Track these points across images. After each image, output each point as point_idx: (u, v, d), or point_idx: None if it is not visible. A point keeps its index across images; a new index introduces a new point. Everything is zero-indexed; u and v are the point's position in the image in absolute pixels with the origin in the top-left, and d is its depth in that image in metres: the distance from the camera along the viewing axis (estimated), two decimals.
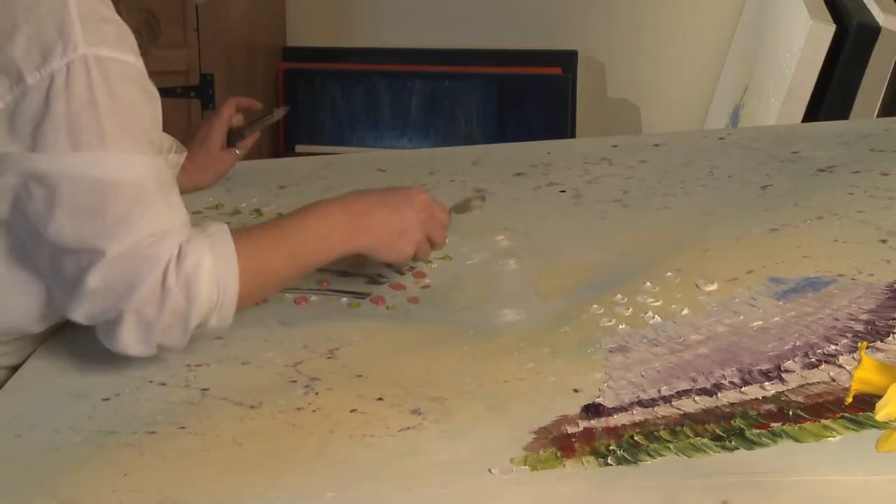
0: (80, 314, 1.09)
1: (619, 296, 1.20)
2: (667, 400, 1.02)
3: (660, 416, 1.00)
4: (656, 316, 1.17)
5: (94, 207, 1.05)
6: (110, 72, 1.05)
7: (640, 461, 0.94)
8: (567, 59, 2.90)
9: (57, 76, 1.03)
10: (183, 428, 1.05)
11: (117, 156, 1.05)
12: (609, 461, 0.94)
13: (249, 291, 1.13)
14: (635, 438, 0.96)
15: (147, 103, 1.10)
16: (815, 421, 0.96)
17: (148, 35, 1.19)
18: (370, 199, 1.24)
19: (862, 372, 0.84)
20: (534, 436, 0.98)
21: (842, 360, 1.05)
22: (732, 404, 1.00)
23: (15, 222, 1.09)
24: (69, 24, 1.04)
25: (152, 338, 1.09)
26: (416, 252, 1.26)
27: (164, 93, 1.17)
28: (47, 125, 1.03)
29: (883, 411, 0.81)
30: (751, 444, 0.94)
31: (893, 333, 1.09)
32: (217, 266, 1.09)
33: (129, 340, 1.08)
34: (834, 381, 1.02)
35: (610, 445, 0.96)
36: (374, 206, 1.23)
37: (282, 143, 2.96)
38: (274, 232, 1.19)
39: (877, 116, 2.35)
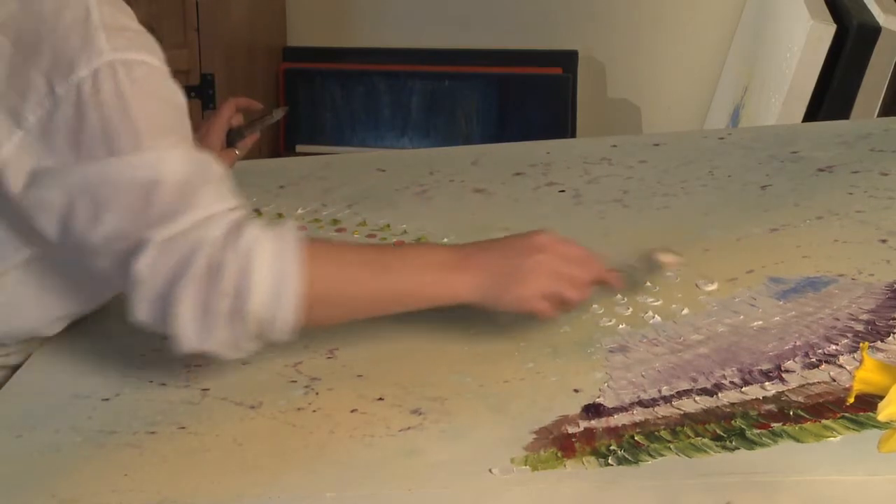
0: (141, 313, 1.05)
1: (619, 295, 1.20)
2: (667, 400, 1.02)
3: (660, 416, 1.00)
4: (656, 316, 1.17)
5: (139, 206, 1.03)
6: (136, 73, 1.05)
7: (641, 461, 0.94)
8: (567, 59, 2.90)
9: (84, 84, 1.03)
10: (183, 428, 1.05)
11: (155, 154, 1.04)
12: (609, 461, 0.94)
13: (320, 295, 1.06)
14: (636, 438, 0.96)
15: (175, 100, 1.10)
16: (815, 421, 0.96)
17: None
18: (483, 243, 1.15)
19: (863, 372, 0.83)
20: (534, 436, 0.98)
21: (842, 360, 1.05)
22: (733, 404, 1.00)
23: (55, 233, 1.07)
24: (93, 33, 1.04)
25: (211, 327, 1.04)
26: (553, 294, 1.11)
27: None
28: (83, 135, 1.03)
29: (885, 411, 0.81)
30: (751, 444, 0.94)
31: (894, 333, 1.09)
32: (277, 251, 1.05)
33: (187, 330, 1.04)
34: (834, 381, 1.02)
35: (610, 445, 0.96)
36: (484, 249, 1.14)
37: (282, 143, 2.96)
38: (362, 247, 1.14)
39: (877, 116, 2.35)
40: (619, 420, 1.00)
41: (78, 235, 1.06)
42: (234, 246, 1.03)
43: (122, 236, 1.04)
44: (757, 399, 1.01)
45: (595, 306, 1.20)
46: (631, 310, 1.19)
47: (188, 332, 1.04)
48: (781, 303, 1.17)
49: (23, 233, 1.11)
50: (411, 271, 1.11)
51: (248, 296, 1.03)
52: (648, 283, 1.22)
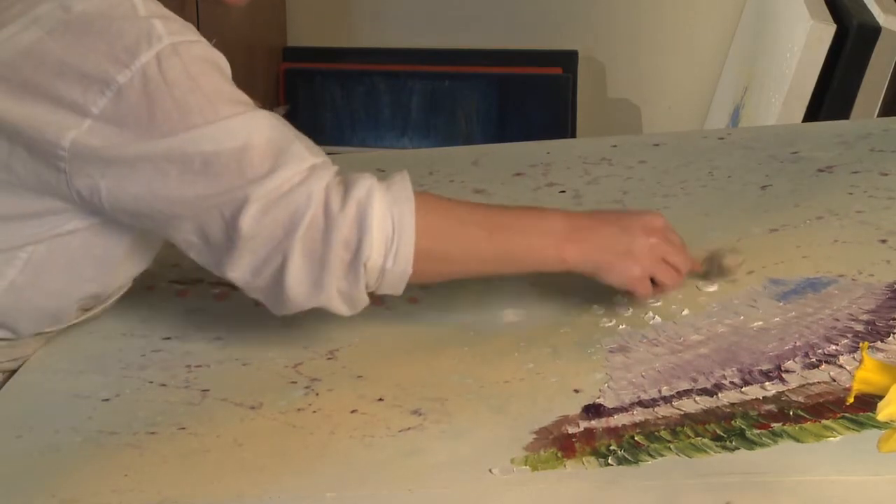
0: (242, 271, 1.05)
1: (619, 296, 1.20)
2: (667, 400, 1.02)
3: (660, 417, 1.00)
4: (656, 316, 1.17)
5: (234, 169, 1.03)
6: (195, 52, 1.06)
7: (641, 461, 0.94)
8: (567, 59, 2.90)
9: (148, 68, 1.03)
10: (183, 428, 1.05)
11: (236, 119, 1.04)
12: (609, 461, 0.94)
13: (432, 249, 1.06)
14: (636, 438, 0.96)
15: (229, 74, 1.10)
16: (815, 421, 0.96)
17: None
18: (597, 215, 1.17)
19: (863, 372, 0.84)
20: (534, 436, 0.98)
21: (842, 360, 1.05)
22: (733, 404, 1.00)
23: (139, 205, 1.06)
24: (148, 22, 1.05)
25: (325, 278, 1.03)
26: (655, 276, 1.14)
27: None
28: (158, 115, 1.03)
29: (885, 411, 0.81)
30: (751, 444, 0.94)
31: (894, 334, 1.09)
32: (391, 199, 1.05)
33: (300, 284, 1.04)
34: (834, 381, 1.02)
35: (610, 445, 0.96)
36: (599, 221, 1.15)
37: None
38: (473, 205, 1.13)
39: (877, 116, 2.35)
40: (619, 420, 1.00)
41: (164, 201, 1.05)
42: (348, 194, 1.03)
43: (217, 194, 1.03)
44: (757, 399, 1.01)
45: (595, 307, 1.20)
46: (631, 310, 1.19)
47: (301, 286, 1.04)
48: (781, 304, 1.17)
49: (75, 206, 1.09)
50: (524, 234, 1.12)
51: (366, 244, 1.03)
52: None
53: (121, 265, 1.17)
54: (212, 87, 1.06)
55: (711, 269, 1.22)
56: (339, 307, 1.07)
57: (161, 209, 1.06)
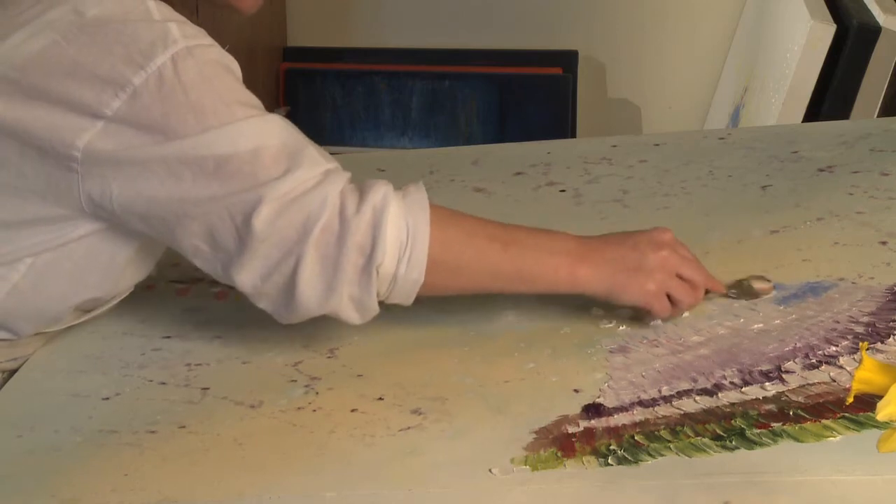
0: (252, 275, 1.04)
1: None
2: (667, 400, 1.02)
3: (660, 416, 1.00)
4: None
5: (248, 170, 1.03)
6: (210, 55, 1.07)
7: (641, 461, 0.94)
8: (567, 59, 2.90)
9: (164, 70, 1.03)
10: (183, 427, 1.05)
11: (250, 122, 1.05)
12: (609, 461, 0.94)
13: (445, 259, 1.06)
14: (636, 438, 0.96)
15: (240, 77, 1.11)
16: (815, 421, 0.96)
17: None
18: (605, 236, 1.16)
19: (863, 372, 0.84)
20: (534, 436, 0.98)
21: (842, 360, 1.05)
22: (733, 404, 1.00)
23: (149, 207, 1.05)
24: (162, 26, 1.05)
25: (337, 282, 1.03)
26: (671, 293, 1.13)
27: None
28: (172, 117, 1.03)
29: (884, 411, 0.81)
30: (751, 444, 0.94)
31: (894, 335, 1.09)
32: (406, 207, 1.05)
33: (313, 287, 1.03)
34: (834, 381, 1.02)
35: (610, 445, 0.96)
36: (607, 242, 1.14)
37: None
38: (486, 220, 1.13)
39: (877, 116, 2.35)
40: (619, 420, 1.00)
41: (175, 202, 1.04)
42: (363, 199, 1.03)
43: (230, 195, 1.03)
44: (757, 399, 1.01)
45: (595, 307, 1.20)
46: (631, 311, 1.19)
47: (314, 291, 1.04)
48: (782, 307, 1.17)
49: (82, 212, 1.09)
50: (538, 253, 1.11)
51: (379, 251, 1.03)
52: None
53: (124, 272, 1.17)
54: (226, 90, 1.06)
55: (740, 292, 1.20)
56: (350, 314, 1.07)
57: (173, 210, 1.05)
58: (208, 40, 1.09)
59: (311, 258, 1.03)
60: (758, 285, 1.20)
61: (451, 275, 1.09)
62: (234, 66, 1.11)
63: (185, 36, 1.06)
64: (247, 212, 1.03)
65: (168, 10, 1.08)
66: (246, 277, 1.05)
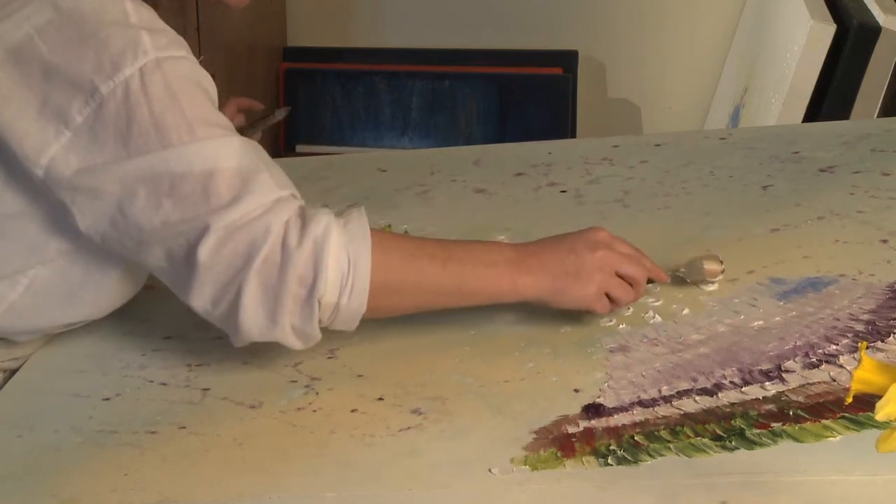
0: (203, 300, 1.05)
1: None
2: (667, 400, 1.02)
3: (660, 416, 1.00)
4: (657, 315, 1.17)
5: (199, 194, 1.03)
6: (180, 69, 1.06)
7: (641, 461, 0.94)
8: (567, 59, 2.90)
9: (131, 82, 1.03)
10: (183, 428, 1.05)
11: (210, 143, 1.04)
12: (609, 461, 0.94)
13: (387, 282, 1.07)
14: (636, 438, 0.96)
15: (212, 94, 1.10)
16: (815, 421, 0.96)
17: None
18: (541, 241, 1.16)
19: (862, 372, 0.84)
20: (534, 436, 0.98)
21: (842, 360, 1.05)
22: (733, 404, 1.00)
23: (105, 225, 1.06)
24: (135, 34, 1.04)
25: (279, 312, 1.03)
26: (610, 292, 1.14)
27: None
28: (134, 130, 1.03)
29: (883, 411, 0.81)
30: (751, 444, 0.94)
31: (894, 333, 1.09)
32: (348, 236, 1.05)
33: (254, 316, 1.04)
34: (834, 381, 1.02)
35: (610, 445, 0.96)
36: (543, 247, 1.15)
37: (282, 143, 2.95)
38: (424, 240, 1.15)
39: (877, 116, 2.35)
40: (619, 420, 1.00)
41: (133, 225, 1.05)
42: (305, 231, 1.03)
43: (182, 222, 1.03)
44: (757, 399, 1.01)
45: None
46: (631, 309, 1.19)
47: (255, 319, 1.04)
48: (782, 303, 1.17)
49: (56, 230, 1.10)
50: (477, 266, 1.11)
51: (321, 282, 1.03)
52: (649, 283, 1.21)
53: (118, 288, 1.17)
54: (191, 107, 1.05)
55: (690, 273, 1.21)
56: (293, 342, 1.07)
57: (130, 234, 1.06)
58: (182, 52, 1.08)
59: (254, 287, 1.03)
60: (708, 266, 1.20)
61: (394, 297, 1.09)
62: (207, 81, 1.10)
63: (157, 47, 1.05)
64: (194, 240, 1.03)
65: (147, 14, 1.07)
66: (198, 301, 1.05)
